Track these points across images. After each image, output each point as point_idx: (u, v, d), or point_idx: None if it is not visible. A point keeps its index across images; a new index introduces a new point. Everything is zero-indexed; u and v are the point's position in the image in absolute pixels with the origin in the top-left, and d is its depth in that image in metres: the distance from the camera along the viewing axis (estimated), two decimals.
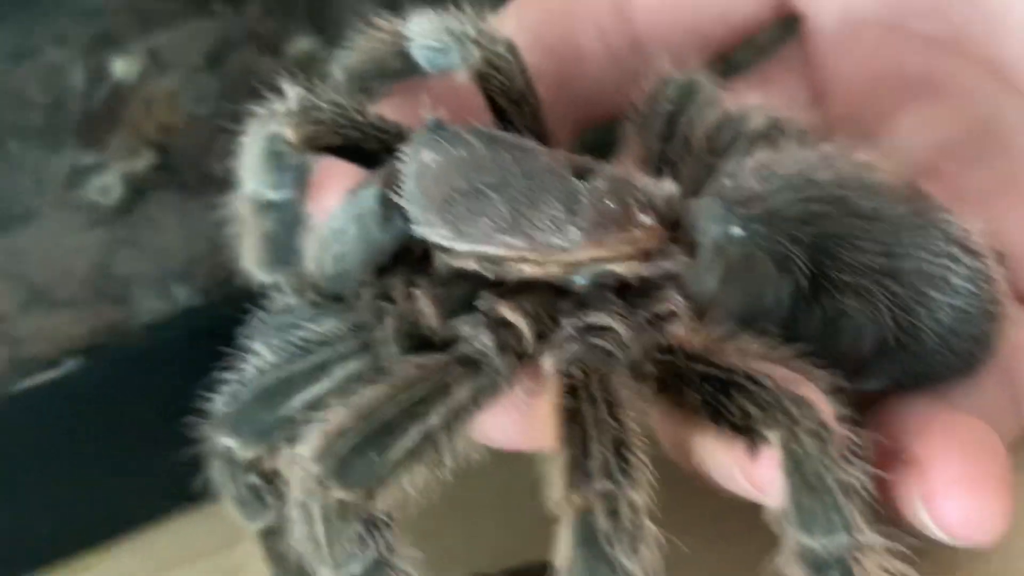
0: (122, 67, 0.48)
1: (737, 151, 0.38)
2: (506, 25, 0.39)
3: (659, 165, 0.39)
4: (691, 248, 0.35)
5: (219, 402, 0.35)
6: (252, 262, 0.39)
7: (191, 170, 0.49)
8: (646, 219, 0.35)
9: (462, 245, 0.34)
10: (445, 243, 0.34)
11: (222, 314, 0.46)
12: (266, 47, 0.50)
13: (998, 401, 0.36)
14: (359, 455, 0.31)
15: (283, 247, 0.38)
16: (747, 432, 0.31)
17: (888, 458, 0.32)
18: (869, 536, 0.30)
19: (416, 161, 0.34)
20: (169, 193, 0.48)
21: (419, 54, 0.39)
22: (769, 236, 0.34)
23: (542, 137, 0.38)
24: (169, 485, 0.41)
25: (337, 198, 0.36)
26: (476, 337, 0.34)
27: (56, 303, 0.46)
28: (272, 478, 0.36)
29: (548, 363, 0.34)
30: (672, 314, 0.35)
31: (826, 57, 0.44)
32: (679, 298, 0.35)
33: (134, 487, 0.46)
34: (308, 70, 0.49)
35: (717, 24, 0.43)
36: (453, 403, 0.32)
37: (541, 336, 0.34)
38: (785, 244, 0.34)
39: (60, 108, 0.48)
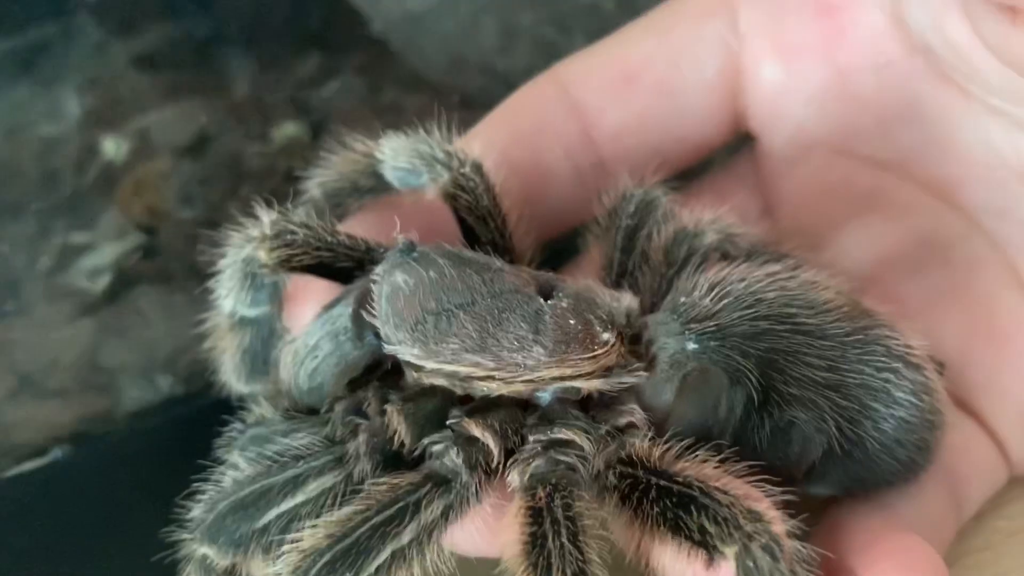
0: (112, 147, 0.50)
1: (692, 265, 0.40)
2: (474, 145, 0.41)
3: (618, 276, 0.40)
4: (649, 361, 0.37)
5: (197, 510, 0.36)
6: (230, 374, 0.41)
7: (176, 260, 0.50)
8: (607, 336, 0.36)
9: (432, 364, 0.35)
10: (416, 362, 0.35)
11: (204, 403, 0.47)
12: (252, 132, 0.52)
13: (939, 504, 0.38)
14: (333, 574, 0.32)
15: (259, 359, 0.40)
16: (704, 545, 0.33)
17: (834, 573, 0.34)
18: None
19: (388, 283, 0.36)
20: (154, 283, 0.49)
21: (390, 174, 0.41)
22: (722, 351, 0.36)
23: (508, 251, 0.40)
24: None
25: (311, 313, 0.38)
26: (446, 455, 0.35)
27: (44, 392, 0.47)
28: None
29: (515, 479, 0.35)
30: (632, 426, 0.36)
31: (777, 174, 0.45)
32: (639, 410, 0.36)
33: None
34: (292, 155, 0.51)
35: (676, 145, 0.44)
36: (424, 520, 0.34)
37: (508, 451, 0.36)
38: (736, 359, 0.36)
39: (52, 183, 0.49)
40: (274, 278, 0.39)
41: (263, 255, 0.38)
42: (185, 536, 0.36)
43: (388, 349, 0.36)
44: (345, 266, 0.38)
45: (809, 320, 0.36)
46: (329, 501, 0.35)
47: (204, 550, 0.36)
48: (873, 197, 0.43)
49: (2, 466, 0.45)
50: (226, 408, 0.48)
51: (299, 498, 0.35)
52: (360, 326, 0.36)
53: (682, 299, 0.37)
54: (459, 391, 0.36)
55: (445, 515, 0.34)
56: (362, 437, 0.35)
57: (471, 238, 0.40)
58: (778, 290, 0.37)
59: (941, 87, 0.42)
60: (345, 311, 0.36)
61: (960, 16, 0.39)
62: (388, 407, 0.36)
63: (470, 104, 0.48)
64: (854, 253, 0.42)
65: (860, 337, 0.36)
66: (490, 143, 0.41)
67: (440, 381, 0.36)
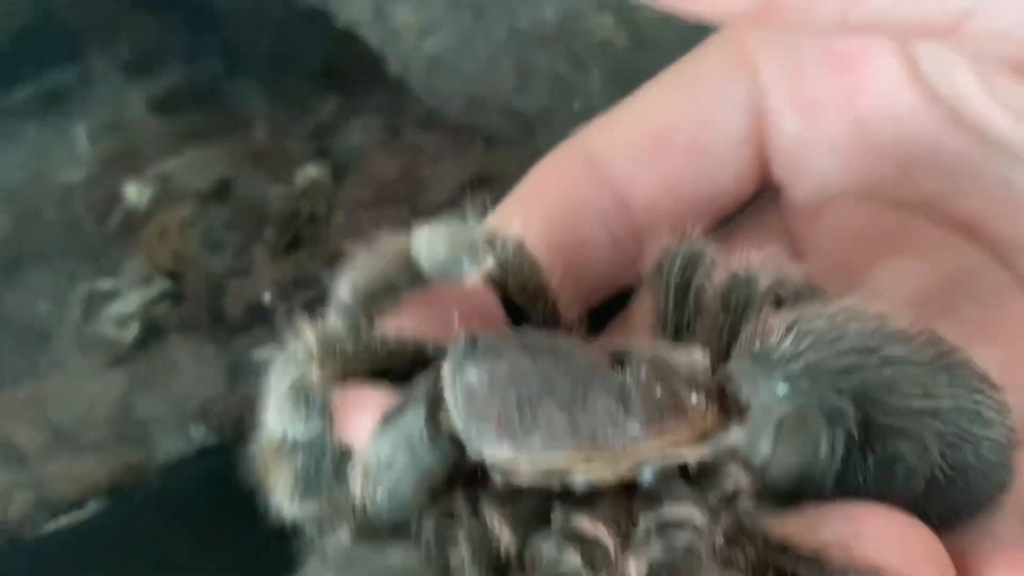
0: (134, 192, 0.50)
1: (753, 310, 0.39)
2: (511, 224, 0.40)
3: (675, 332, 0.40)
4: (740, 415, 0.36)
5: None
6: (283, 497, 0.38)
7: (204, 307, 0.50)
8: (697, 398, 0.35)
9: (525, 460, 0.34)
10: (508, 460, 0.34)
11: (238, 451, 0.48)
12: (273, 175, 0.52)
13: (1018, 529, 0.38)
14: None
15: (313, 480, 0.38)
16: None
17: None
18: None
19: (461, 383, 0.34)
20: (182, 332, 0.49)
21: (429, 267, 0.39)
22: (815, 391, 0.35)
23: (557, 324, 0.39)
24: None
25: (370, 424, 0.36)
26: (562, 559, 0.33)
27: (79, 445, 0.47)
28: None
29: (632, 571, 0.33)
30: (739, 492, 0.35)
31: (802, 222, 0.46)
32: (741, 472, 0.35)
33: None
34: (315, 198, 0.51)
35: (709, 204, 0.45)
36: None
37: (622, 541, 0.34)
38: (831, 396, 0.35)
39: (75, 230, 0.49)
40: (325, 395, 0.37)
41: (314, 373, 0.36)
42: None
43: (473, 453, 0.34)
44: (399, 370, 0.37)
45: (895, 349, 0.36)
46: None
47: None
48: (899, 238, 0.44)
49: (39, 520, 0.45)
50: None
51: None
52: (437, 432, 0.34)
53: (758, 342, 0.36)
54: (557, 486, 0.34)
55: None
56: (464, 547, 0.34)
57: (518, 319, 0.39)
58: (857, 323, 0.36)
59: (960, 133, 0.43)
60: (417, 419, 0.34)
61: (970, 71, 0.40)
62: (486, 512, 0.34)
63: (490, 143, 0.48)
64: (885, 294, 0.42)
65: (946, 361, 0.36)
66: (525, 222, 0.40)
67: (536, 478, 0.34)
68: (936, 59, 0.42)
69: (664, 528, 0.34)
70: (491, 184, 0.48)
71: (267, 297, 0.49)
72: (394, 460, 0.34)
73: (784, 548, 0.33)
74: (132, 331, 0.48)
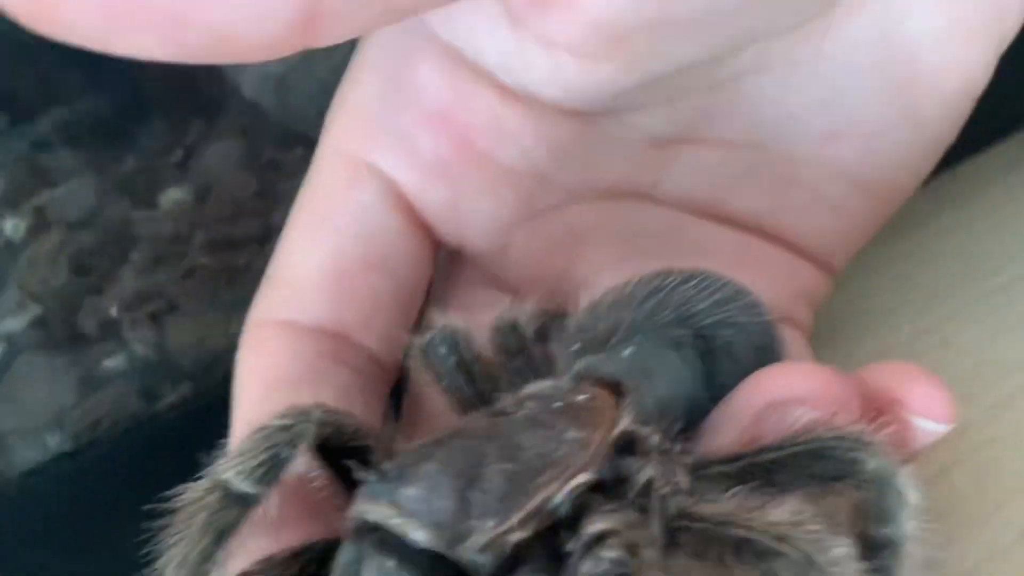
0: (10, 227, 0.51)
1: (530, 344, 0.43)
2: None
3: (480, 401, 0.41)
4: (614, 389, 0.38)
5: None
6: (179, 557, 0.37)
7: (63, 326, 0.52)
8: (585, 426, 0.36)
9: (515, 519, 0.33)
10: (500, 532, 0.33)
11: (93, 456, 0.52)
12: (140, 200, 0.54)
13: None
14: None
15: (223, 544, 0.37)
16: None
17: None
18: None
19: (402, 501, 0.33)
20: (40, 351, 0.51)
21: (247, 481, 0.37)
22: (651, 335, 0.39)
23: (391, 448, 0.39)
24: None
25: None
26: None
27: None
28: None
29: None
30: (652, 480, 0.35)
31: (496, 267, 0.48)
32: (652, 432, 0.37)
33: None
34: (178, 218, 0.54)
35: (409, 297, 0.48)
36: None
37: None
38: (663, 331, 0.40)
39: None
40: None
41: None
42: None
43: (462, 550, 0.33)
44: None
45: (670, 289, 0.41)
46: None
47: None
48: (574, 234, 0.47)
49: None
50: (111, 457, 0.53)
51: None
52: (412, 562, 0.33)
53: (577, 338, 0.40)
54: (545, 524, 0.34)
55: None
56: None
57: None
58: (627, 288, 0.41)
59: (568, 118, 0.46)
60: (385, 565, 0.33)
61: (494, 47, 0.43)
62: None
63: None
64: (602, 283, 0.45)
65: (704, 281, 0.41)
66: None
67: (524, 533, 0.33)
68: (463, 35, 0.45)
69: (588, 548, 0.33)
70: None
71: (114, 311, 0.52)
72: None
73: (722, 521, 0.34)
74: None
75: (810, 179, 0.49)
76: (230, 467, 0.37)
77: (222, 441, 0.40)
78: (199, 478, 0.37)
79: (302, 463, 0.38)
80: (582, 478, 0.34)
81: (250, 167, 0.55)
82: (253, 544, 0.37)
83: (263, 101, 0.55)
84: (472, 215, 0.48)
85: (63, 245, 0.52)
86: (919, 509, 0.35)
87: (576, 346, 0.41)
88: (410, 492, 0.34)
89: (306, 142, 0.52)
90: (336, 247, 0.46)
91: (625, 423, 0.37)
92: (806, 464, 0.35)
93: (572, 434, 0.35)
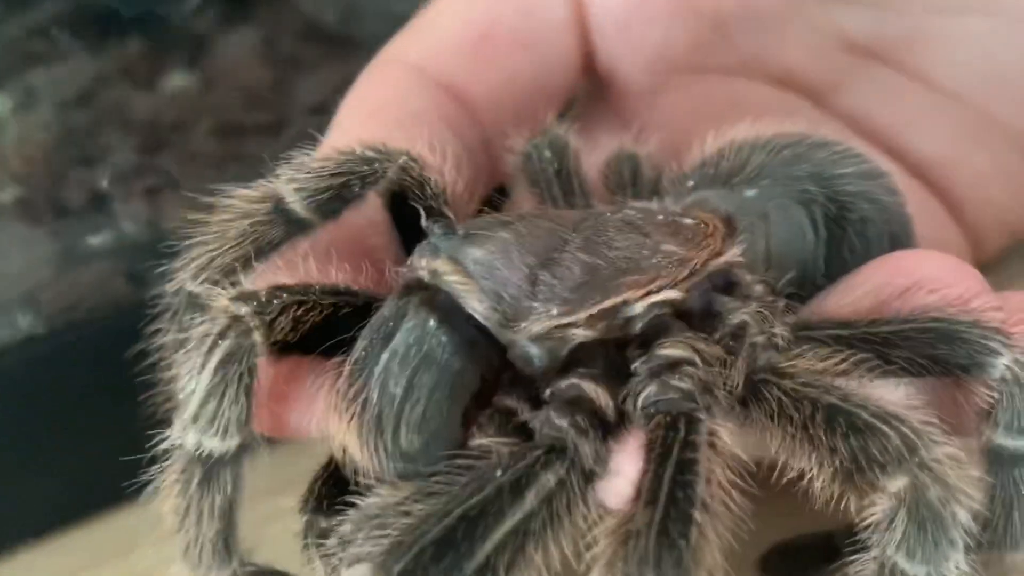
0: None
1: (645, 180, 0.39)
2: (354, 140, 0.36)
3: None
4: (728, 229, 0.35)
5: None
6: (203, 564, 0.31)
7: (46, 200, 0.47)
8: (691, 221, 0.34)
9: (583, 314, 0.30)
10: (562, 322, 0.30)
11: (65, 341, 0.44)
12: (140, 82, 0.51)
13: None
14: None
15: (234, 526, 0.31)
16: (858, 473, 0.29)
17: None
18: (963, 563, 0.28)
19: (469, 263, 0.30)
20: (18, 223, 0.47)
21: (306, 207, 0.34)
22: (777, 184, 0.36)
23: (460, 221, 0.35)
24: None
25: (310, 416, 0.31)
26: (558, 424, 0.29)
27: None
28: None
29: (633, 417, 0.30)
30: (744, 326, 0.32)
31: (639, 108, 0.45)
32: (757, 280, 0.34)
33: None
34: (181, 105, 0.49)
35: (543, 98, 0.43)
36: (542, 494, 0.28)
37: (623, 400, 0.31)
38: (794, 183, 0.36)
39: None
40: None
41: (258, 336, 0.30)
42: None
43: (515, 332, 0.29)
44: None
45: (814, 145, 0.38)
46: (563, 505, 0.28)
47: None
48: (733, 106, 0.43)
49: None
50: (90, 345, 0.45)
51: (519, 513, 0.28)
52: (457, 330, 0.29)
53: (696, 173, 0.37)
54: (611, 334, 0.31)
55: (565, 485, 0.28)
56: (572, 418, 0.29)
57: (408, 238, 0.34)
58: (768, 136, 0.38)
59: None
60: (426, 325, 0.29)
61: None
62: (580, 382, 0.30)
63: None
64: None
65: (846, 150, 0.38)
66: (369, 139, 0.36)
67: (589, 332, 0.30)
68: None
69: (658, 371, 0.30)
70: None
71: (105, 183, 0.47)
72: (417, 385, 0.29)
73: (817, 384, 0.30)
74: None
75: (996, 145, 0.45)
76: (291, 182, 0.33)
77: None
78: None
79: (369, 211, 0.34)
80: (669, 294, 0.31)
81: (267, 59, 0.51)
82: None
83: None
84: (639, 41, 0.45)
85: (51, 123, 0.49)
86: None
87: (692, 182, 0.37)
88: (476, 253, 0.31)
89: (329, 38, 0.49)
90: (493, 10, 0.43)
91: (730, 255, 0.33)
92: (930, 343, 0.31)
93: (670, 247, 0.32)
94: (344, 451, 0.30)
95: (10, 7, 0.49)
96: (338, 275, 0.33)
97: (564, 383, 0.30)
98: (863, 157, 0.38)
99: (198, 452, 0.30)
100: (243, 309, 0.30)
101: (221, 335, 0.30)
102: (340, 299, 0.32)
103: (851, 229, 0.36)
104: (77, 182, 0.48)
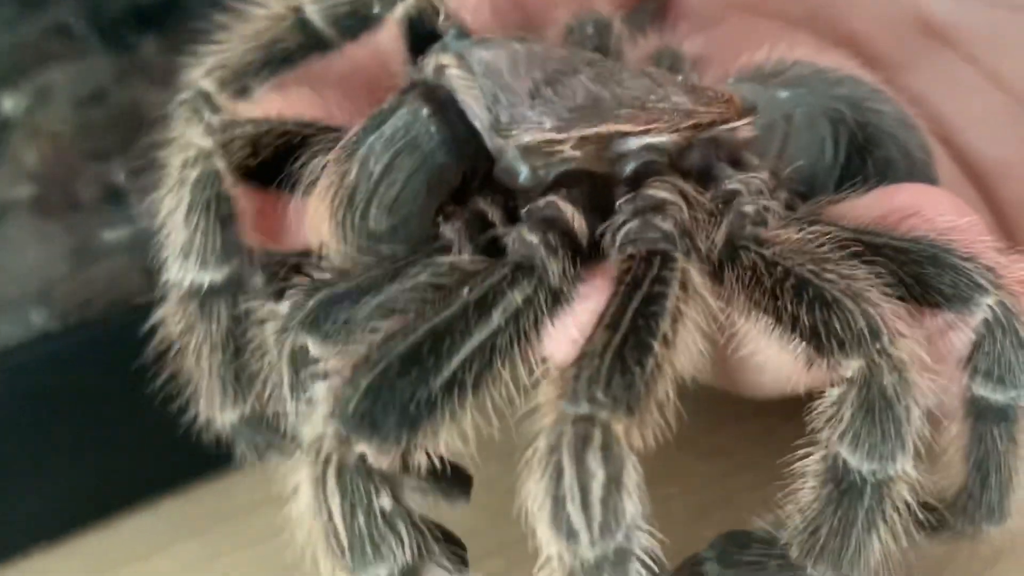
0: (9, 103, 0.48)
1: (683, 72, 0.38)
2: None
3: None
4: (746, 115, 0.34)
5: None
6: (213, 397, 0.33)
7: (60, 196, 0.47)
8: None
9: (575, 132, 0.30)
10: (553, 137, 0.30)
11: (79, 338, 0.42)
12: (156, 79, 0.50)
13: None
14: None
15: (240, 356, 0.32)
16: (822, 351, 0.29)
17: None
18: (911, 469, 0.28)
19: (475, 62, 0.30)
20: (32, 217, 0.46)
21: (324, 19, 0.34)
22: (812, 94, 0.35)
23: None
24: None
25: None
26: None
27: None
28: None
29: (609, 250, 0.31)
30: (736, 194, 0.32)
31: (695, 28, 0.45)
32: (752, 167, 0.33)
33: None
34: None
35: None
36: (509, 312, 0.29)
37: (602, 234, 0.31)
38: (829, 100, 0.35)
39: None
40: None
41: (219, 163, 0.31)
42: None
43: (507, 137, 0.30)
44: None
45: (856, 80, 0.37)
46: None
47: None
48: (785, 48, 0.42)
49: None
50: (105, 342, 0.43)
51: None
52: (448, 124, 0.30)
53: (739, 71, 0.37)
54: (601, 168, 0.31)
55: (532, 303, 0.29)
56: (544, 236, 0.29)
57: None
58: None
59: None
60: (418, 113, 0.29)
61: None
62: (556, 200, 0.30)
63: None
64: None
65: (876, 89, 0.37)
66: None
67: (577, 153, 0.30)
68: None
69: (642, 210, 0.31)
70: None
71: (121, 178, 0.47)
72: (396, 166, 0.29)
73: (794, 252, 0.30)
74: None
75: None
76: None
77: None
78: None
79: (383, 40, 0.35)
80: (667, 136, 0.31)
81: None
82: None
83: None
84: None
85: (67, 120, 0.48)
86: None
87: (731, 79, 0.37)
88: (484, 55, 0.31)
89: None
90: None
91: (740, 127, 0.33)
92: (919, 262, 0.30)
93: (680, 99, 0.32)
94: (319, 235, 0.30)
95: (26, 6, 0.48)
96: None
97: (543, 201, 0.30)
98: (893, 100, 0.38)
99: (190, 286, 0.31)
100: (208, 142, 0.31)
101: (189, 165, 0.31)
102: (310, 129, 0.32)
103: (872, 165, 0.36)
104: (92, 178, 0.47)
